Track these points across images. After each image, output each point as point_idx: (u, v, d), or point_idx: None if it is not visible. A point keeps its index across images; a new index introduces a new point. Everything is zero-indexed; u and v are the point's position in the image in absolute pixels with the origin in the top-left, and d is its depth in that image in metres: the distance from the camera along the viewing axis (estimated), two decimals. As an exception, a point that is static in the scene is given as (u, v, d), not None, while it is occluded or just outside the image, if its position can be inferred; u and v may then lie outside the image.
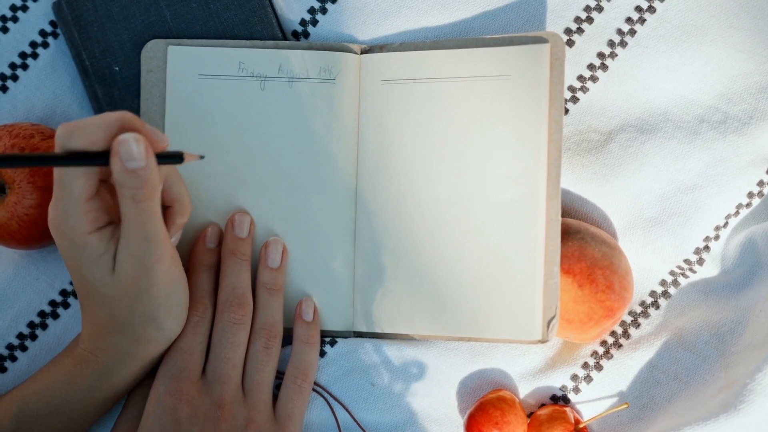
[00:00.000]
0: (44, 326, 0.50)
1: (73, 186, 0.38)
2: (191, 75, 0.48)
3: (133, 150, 0.37)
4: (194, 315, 0.45)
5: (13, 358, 0.49)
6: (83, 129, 0.37)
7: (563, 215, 0.49)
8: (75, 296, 0.50)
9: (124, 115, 0.38)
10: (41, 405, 0.43)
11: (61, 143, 0.37)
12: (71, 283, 0.50)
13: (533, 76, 0.45)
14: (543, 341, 0.45)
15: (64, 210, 0.39)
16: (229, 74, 0.48)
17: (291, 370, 0.47)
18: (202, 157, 0.42)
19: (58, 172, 0.39)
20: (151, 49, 0.48)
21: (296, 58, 0.48)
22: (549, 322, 0.45)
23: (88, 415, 0.45)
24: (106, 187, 0.42)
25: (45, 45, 0.51)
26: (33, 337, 0.50)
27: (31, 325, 0.50)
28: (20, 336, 0.50)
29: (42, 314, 0.50)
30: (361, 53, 0.48)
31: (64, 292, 0.50)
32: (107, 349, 0.43)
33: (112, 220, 0.41)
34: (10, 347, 0.50)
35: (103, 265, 0.40)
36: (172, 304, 0.43)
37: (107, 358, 0.43)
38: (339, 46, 0.48)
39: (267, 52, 0.48)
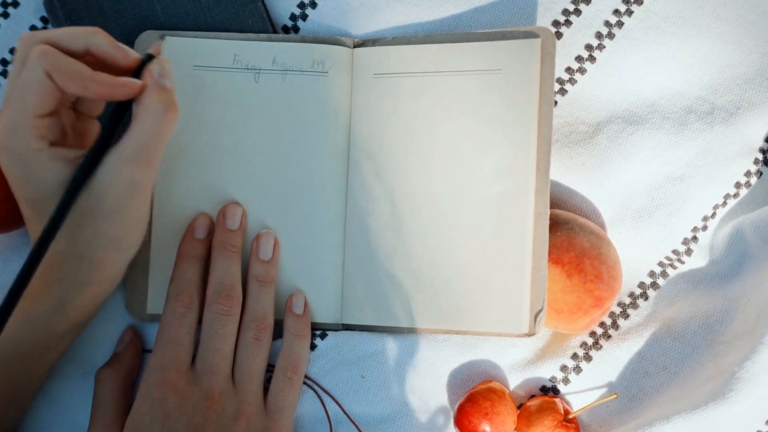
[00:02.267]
0: None
1: (27, 99, 0.39)
2: (186, 66, 0.48)
3: (164, 67, 0.41)
4: (179, 306, 0.45)
5: None
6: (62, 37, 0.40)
7: (552, 206, 0.49)
8: None
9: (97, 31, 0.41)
10: (1, 350, 0.42)
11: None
12: None
13: (524, 70, 0.46)
14: (530, 334, 0.45)
15: (12, 125, 0.39)
16: (223, 66, 0.48)
17: (281, 362, 0.47)
18: (163, 37, 0.44)
19: (9, 87, 0.40)
20: (145, 40, 0.48)
21: (290, 51, 0.48)
22: (536, 316, 0.45)
23: (48, 356, 0.44)
24: (69, 112, 0.42)
25: (36, 41, 0.51)
26: None
27: None
28: None
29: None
30: (354, 47, 0.49)
31: None
32: (62, 280, 0.42)
33: (68, 144, 0.41)
34: None
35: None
36: (139, 226, 0.43)
37: (61, 290, 0.42)
38: (332, 39, 0.48)
39: (261, 44, 0.48)
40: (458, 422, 0.46)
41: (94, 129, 0.45)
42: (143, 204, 0.42)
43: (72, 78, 0.39)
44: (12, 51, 0.51)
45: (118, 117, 0.41)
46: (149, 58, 0.42)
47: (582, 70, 0.49)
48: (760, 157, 0.49)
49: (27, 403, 0.46)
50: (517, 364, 0.49)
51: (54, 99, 0.40)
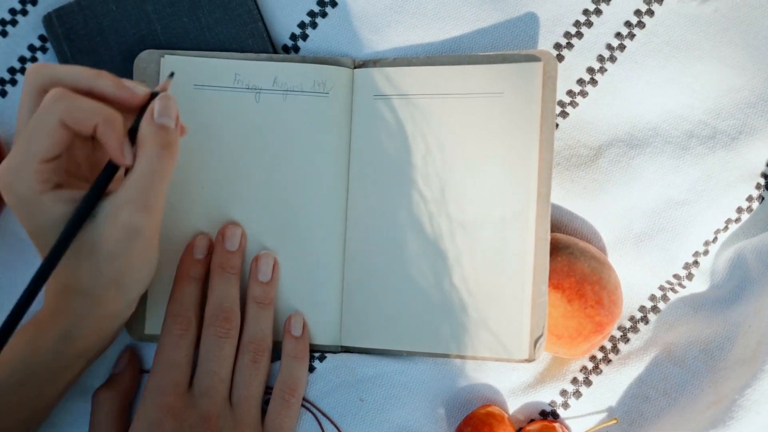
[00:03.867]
0: None
1: (36, 144, 0.39)
2: (186, 85, 0.48)
3: (167, 104, 0.41)
4: (177, 328, 0.45)
5: None
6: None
7: (552, 230, 0.49)
8: None
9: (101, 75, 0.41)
10: (7, 377, 0.42)
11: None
12: None
13: (525, 94, 0.45)
14: (530, 360, 0.45)
15: (17, 166, 0.40)
16: (224, 85, 0.48)
17: (279, 385, 0.47)
18: (172, 74, 0.43)
19: (28, 128, 0.40)
20: (145, 59, 0.48)
21: (291, 71, 0.48)
22: (536, 341, 0.45)
23: (57, 384, 0.44)
24: (85, 143, 0.43)
25: (34, 60, 0.51)
26: None
27: None
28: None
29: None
30: (354, 68, 0.48)
31: None
32: (66, 311, 0.42)
33: (72, 185, 0.42)
34: None
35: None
36: (141, 269, 0.43)
37: (66, 321, 0.42)
38: (332, 59, 0.48)
39: (262, 64, 0.48)
40: (457, 447, 0.46)
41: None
42: (146, 247, 0.42)
43: (88, 122, 0.40)
44: (10, 71, 0.51)
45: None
46: (154, 96, 0.42)
47: (584, 93, 0.49)
48: (762, 182, 0.49)
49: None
50: (517, 388, 0.48)
51: (63, 145, 0.40)
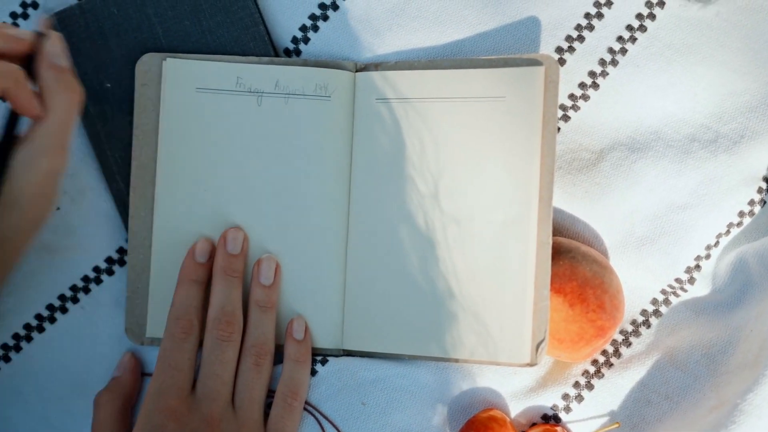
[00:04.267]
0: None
1: None
2: (188, 88, 0.48)
3: (57, 45, 0.42)
4: (180, 331, 0.45)
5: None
6: None
7: (554, 234, 0.49)
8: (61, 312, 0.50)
9: None
10: None
11: None
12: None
13: (527, 98, 0.45)
14: (531, 364, 0.45)
15: None
16: (226, 89, 0.48)
17: (282, 388, 0.47)
18: (52, 15, 0.44)
19: None
20: (147, 62, 0.48)
21: (292, 75, 0.48)
22: (538, 346, 0.45)
23: None
24: None
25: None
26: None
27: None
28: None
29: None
30: (356, 71, 0.48)
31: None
32: None
33: None
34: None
35: None
36: (54, 202, 0.43)
37: None
38: (334, 63, 0.48)
39: (264, 67, 0.48)
40: (459, 451, 0.46)
41: None
42: (59, 185, 0.43)
43: None
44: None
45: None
46: (40, 36, 0.42)
47: (585, 97, 0.49)
48: (764, 185, 0.49)
49: None
50: (519, 392, 0.48)
51: None
